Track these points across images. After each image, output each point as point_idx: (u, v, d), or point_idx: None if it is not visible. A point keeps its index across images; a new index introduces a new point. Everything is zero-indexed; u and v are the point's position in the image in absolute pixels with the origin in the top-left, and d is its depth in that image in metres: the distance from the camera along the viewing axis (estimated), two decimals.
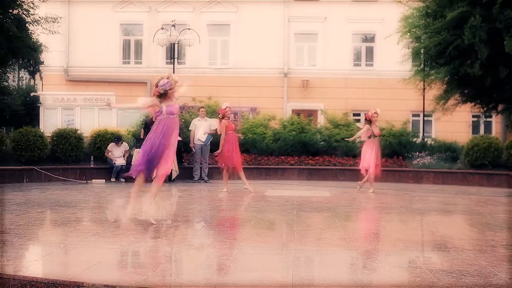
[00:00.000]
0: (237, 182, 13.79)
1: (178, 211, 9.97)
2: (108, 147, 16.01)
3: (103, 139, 16.45)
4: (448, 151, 18.80)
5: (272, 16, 26.24)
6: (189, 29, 20.66)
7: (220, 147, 12.95)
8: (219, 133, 13.21)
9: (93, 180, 15.36)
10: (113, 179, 15.68)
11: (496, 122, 26.01)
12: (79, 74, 26.18)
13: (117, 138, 16.13)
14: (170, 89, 8.03)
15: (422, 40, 17.38)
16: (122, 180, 15.43)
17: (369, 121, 13.57)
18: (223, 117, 12.90)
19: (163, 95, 8.11)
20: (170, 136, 8.06)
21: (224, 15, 26.52)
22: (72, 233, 7.21)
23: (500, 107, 18.63)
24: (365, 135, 13.61)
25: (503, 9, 15.00)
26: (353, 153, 17.82)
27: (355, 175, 15.54)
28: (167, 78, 8.06)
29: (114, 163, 15.74)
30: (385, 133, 18.77)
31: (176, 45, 20.28)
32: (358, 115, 24.34)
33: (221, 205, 10.91)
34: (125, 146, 16.22)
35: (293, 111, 25.13)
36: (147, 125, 16.32)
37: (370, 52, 26.75)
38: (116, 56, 26.49)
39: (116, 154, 15.95)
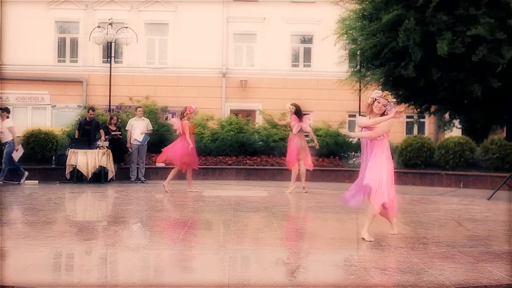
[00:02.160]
0: (176, 183, 13.65)
1: (114, 212, 9.81)
2: None
3: (36, 139, 16.01)
4: None
5: (211, 16, 26.17)
6: (126, 27, 20.38)
7: (192, 147, 12.75)
8: (181, 133, 12.87)
9: (25, 180, 14.94)
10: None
11: (429, 122, 26.70)
12: (12, 72, 25.38)
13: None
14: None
15: (358, 42, 17.66)
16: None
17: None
18: (183, 117, 12.79)
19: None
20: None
21: (163, 14, 26.28)
22: (2, 236, 6.98)
23: (432, 108, 19.13)
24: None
25: (436, 12, 15.41)
26: None
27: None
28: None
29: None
30: (322, 133, 18.98)
31: (113, 44, 19.97)
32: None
33: (158, 205, 10.81)
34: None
35: (231, 111, 25.11)
36: (81, 125, 16.04)
37: (308, 53, 27.02)
38: (50, 54, 25.85)
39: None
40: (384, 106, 7.04)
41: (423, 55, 15.59)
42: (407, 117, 25.34)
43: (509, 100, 13.44)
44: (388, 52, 16.24)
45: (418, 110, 18.90)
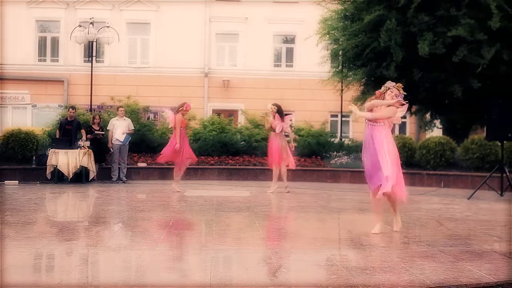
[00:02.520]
0: (159, 183, 13.62)
1: (95, 212, 9.76)
2: None
3: (17, 139, 15.86)
4: None
5: (193, 15, 26.13)
6: (108, 27, 20.28)
7: (178, 143, 12.71)
8: (173, 127, 12.92)
9: (5, 181, 14.80)
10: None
11: (410, 122, 26.88)
12: None
13: None
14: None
15: (340, 42, 17.72)
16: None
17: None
18: (178, 112, 12.83)
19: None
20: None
21: (144, 14, 26.20)
22: None
23: (414, 108, 19.25)
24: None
25: (417, 13, 15.51)
26: None
27: None
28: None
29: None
30: (304, 133, 19.03)
31: (94, 43, 19.85)
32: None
33: (140, 206, 10.76)
34: None
35: (213, 111, 25.09)
36: (62, 125, 15.92)
37: (290, 53, 27.08)
38: (31, 53, 25.67)
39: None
40: (396, 97, 7.36)
41: (404, 56, 15.69)
42: None
43: (489, 100, 13.57)
44: (370, 52, 16.32)
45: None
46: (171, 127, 13.16)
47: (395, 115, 7.48)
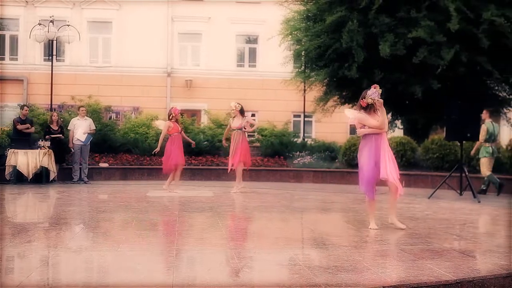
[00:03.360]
0: (121, 183, 13.49)
1: (56, 213, 9.61)
2: None
3: None
4: (327, 150, 19.41)
5: (156, 15, 25.99)
6: (68, 25, 20.02)
7: (158, 147, 13.23)
8: (167, 132, 13.08)
9: None
10: None
11: None
12: None
13: None
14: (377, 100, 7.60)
15: (303, 43, 17.81)
16: None
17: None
18: (171, 119, 13.01)
19: (369, 107, 7.70)
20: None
21: (106, 13, 25.95)
22: None
23: None
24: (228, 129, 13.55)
25: (378, 15, 15.67)
26: None
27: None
28: (374, 88, 7.62)
29: None
30: (267, 133, 19.08)
31: (54, 42, 19.58)
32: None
33: (101, 206, 10.64)
34: None
35: None
36: (14, 124, 15.63)
37: (253, 53, 27.13)
38: None
39: None
40: (378, 100, 7.58)
41: (366, 56, 15.84)
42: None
43: (449, 101, 13.80)
44: (332, 53, 16.43)
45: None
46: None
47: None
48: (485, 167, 13.98)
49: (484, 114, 14.07)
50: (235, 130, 13.12)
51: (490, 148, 13.91)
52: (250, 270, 5.43)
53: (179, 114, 13.55)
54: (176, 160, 13.09)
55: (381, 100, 7.62)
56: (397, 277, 5.02)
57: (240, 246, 6.70)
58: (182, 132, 13.57)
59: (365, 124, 7.70)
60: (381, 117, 7.62)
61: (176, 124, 13.16)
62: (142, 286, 4.68)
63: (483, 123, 13.98)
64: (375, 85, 7.70)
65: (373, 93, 7.61)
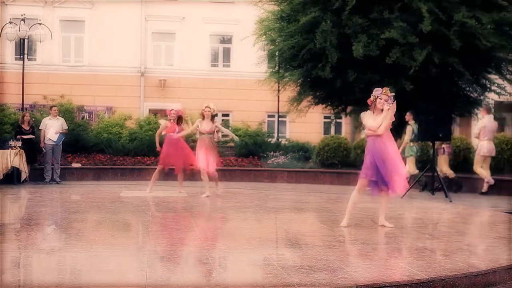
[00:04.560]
0: (94, 183, 13.38)
1: (27, 214, 9.50)
2: None
3: None
4: (301, 151, 19.48)
5: (129, 14, 25.80)
6: (40, 24, 19.79)
7: (157, 146, 13.14)
8: (164, 132, 12.98)
9: None
10: None
11: (346, 123, 27.31)
12: None
13: None
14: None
15: (277, 43, 17.82)
16: None
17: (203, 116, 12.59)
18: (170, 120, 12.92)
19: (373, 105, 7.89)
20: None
21: (79, 11, 25.69)
22: None
23: (349, 109, 19.56)
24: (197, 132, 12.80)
25: (351, 15, 15.74)
26: None
27: None
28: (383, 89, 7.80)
29: None
30: (241, 133, 19.07)
31: (26, 41, 19.34)
32: (216, 115, 24.48)
33: (74, 207, 10.54)
34: None
35: (150, 110, 24.81)
36: None
37: (227, 53, 27.09)
38: None
39: None
40: (386, 101, 7.73)
41: (339, 57, 15.90)
42: (324, 117, 25.74)
43: (421, 102, 13.95)
44: (306, 53, 16.47)
45: (335, 110, 19.26)
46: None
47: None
48: (412, 165, 14.67)
49: (408, 116, 14.80)
50: (204, 134, 12.42)
51: (414, 147, 14.80)
52: (224, 270, 5.43)
53: (174, 114, 12.98)
54: (175, 162, 12.90)
55: (392, 106, 7.74)
56: (370, 276, 5.06)
57: (214, 246, 6.69)
58: (181, 132, 12.86)
59: (364, 123, 8.02)
60: (380, 120, 7.75)
61: (174, 125, 12.89)
62: (115, 286, 4.65)
63: (409, 124, 14.75)
64: (385, 87, 7.87)
65: (376, 91, 7.85)
